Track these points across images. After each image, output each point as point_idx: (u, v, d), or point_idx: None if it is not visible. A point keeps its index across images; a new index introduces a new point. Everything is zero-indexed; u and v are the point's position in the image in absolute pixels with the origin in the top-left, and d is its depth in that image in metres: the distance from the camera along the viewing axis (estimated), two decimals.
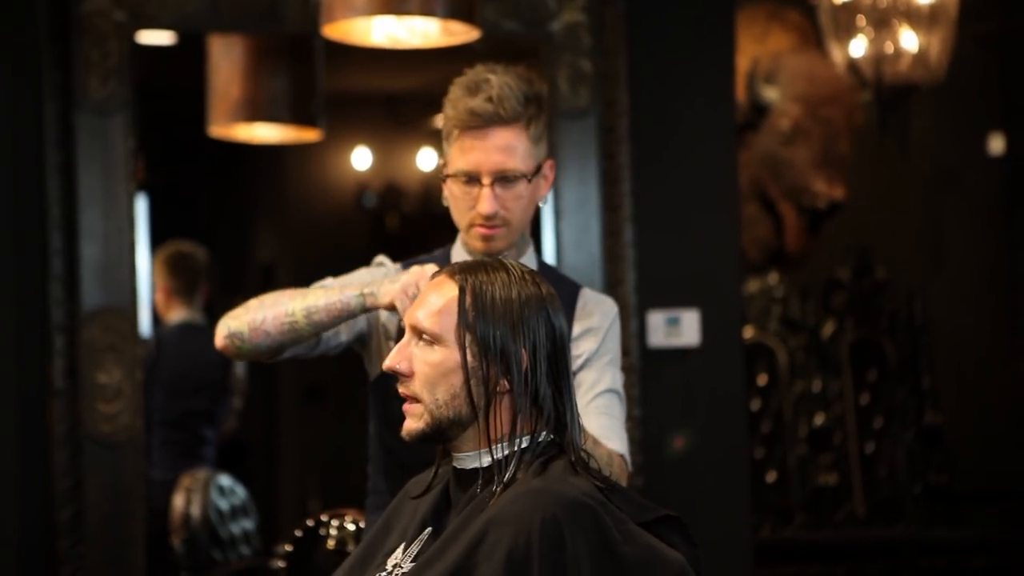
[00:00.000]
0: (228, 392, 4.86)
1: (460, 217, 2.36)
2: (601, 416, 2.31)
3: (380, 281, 2.26)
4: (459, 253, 2.42)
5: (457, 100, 2.31)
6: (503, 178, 2.30)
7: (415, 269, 2.22)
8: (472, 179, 2.31)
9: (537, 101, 2.33)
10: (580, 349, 2.35)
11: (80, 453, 3.44)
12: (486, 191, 2.30)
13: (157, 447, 4.49)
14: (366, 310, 2.26)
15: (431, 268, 2.19)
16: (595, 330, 2.38)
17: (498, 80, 2.29)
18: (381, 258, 2.47)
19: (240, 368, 4.88)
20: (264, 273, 6.43)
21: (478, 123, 2.29)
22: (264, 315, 2.29)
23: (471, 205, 2.32)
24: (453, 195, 2.35)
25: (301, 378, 5.67)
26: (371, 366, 2.43)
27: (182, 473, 4.27)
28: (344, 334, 2.39)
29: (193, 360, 4.67)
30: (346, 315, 2.27)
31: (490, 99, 2.28)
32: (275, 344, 2.31)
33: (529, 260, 2.42)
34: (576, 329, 2.37)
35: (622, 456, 2.30)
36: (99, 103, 3.46)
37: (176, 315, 4.70)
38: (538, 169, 2.35)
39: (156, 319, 4.88)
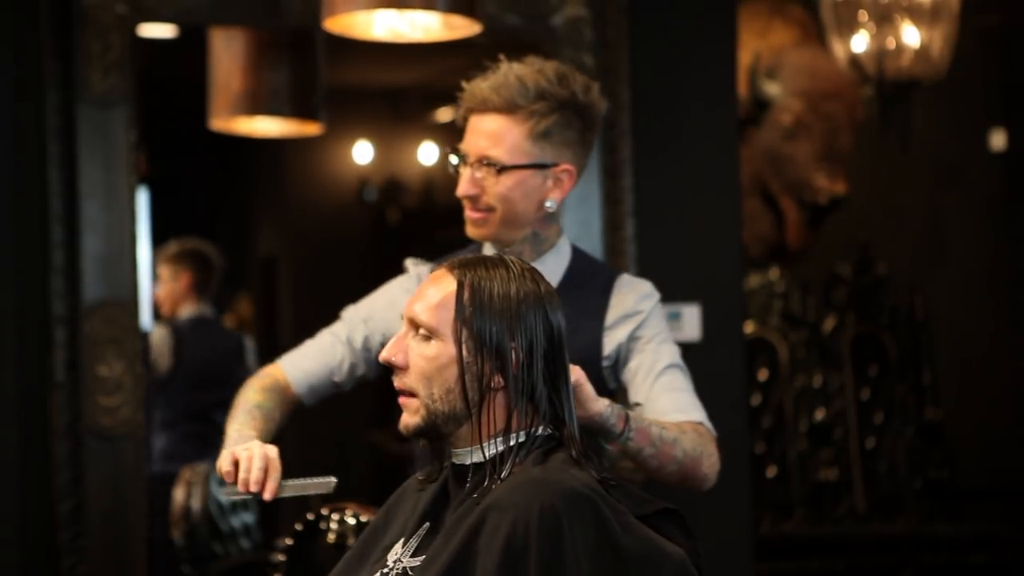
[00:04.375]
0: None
1: None
2: (670, 392, 2.32)
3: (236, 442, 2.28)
4: (490, 247, 2.42)
5: (472, 83, 2.34)
6: (486, 164, 2.31)
7: (244, 450, 2.16)
8: (463, 160, 2.34)
9: (556, 100, 2.30)
10: (618, 335, 2.35)
11: (80, 446, 3.44)
12: (465, 172, 2.33)
13: (180, 441, 4.58)
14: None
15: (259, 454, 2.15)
16: (632, 315, 2.37)
17: (512, 69, 2.31)
18: (410, 262, 2.49)
19: (251, 358, 4.95)
20: (265, 267, 6.43)
21: (477, 105, 2.31)
22: None
23: None
24: None
25: None
26: None
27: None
28: (361, 368, 2.46)
29: (213, 352, 4.84)
30: None
31: (490, 84, 2.29)
32: None
33: (557, 255, 2.40)
34: (611, 316, 2.36)
35: (702, 423, 2.32)
36: (100, 96, 3.46)
37: (188, 309, 4.85)
38: (532, 166, 2.32)
39: (156, 314, 4.91)
